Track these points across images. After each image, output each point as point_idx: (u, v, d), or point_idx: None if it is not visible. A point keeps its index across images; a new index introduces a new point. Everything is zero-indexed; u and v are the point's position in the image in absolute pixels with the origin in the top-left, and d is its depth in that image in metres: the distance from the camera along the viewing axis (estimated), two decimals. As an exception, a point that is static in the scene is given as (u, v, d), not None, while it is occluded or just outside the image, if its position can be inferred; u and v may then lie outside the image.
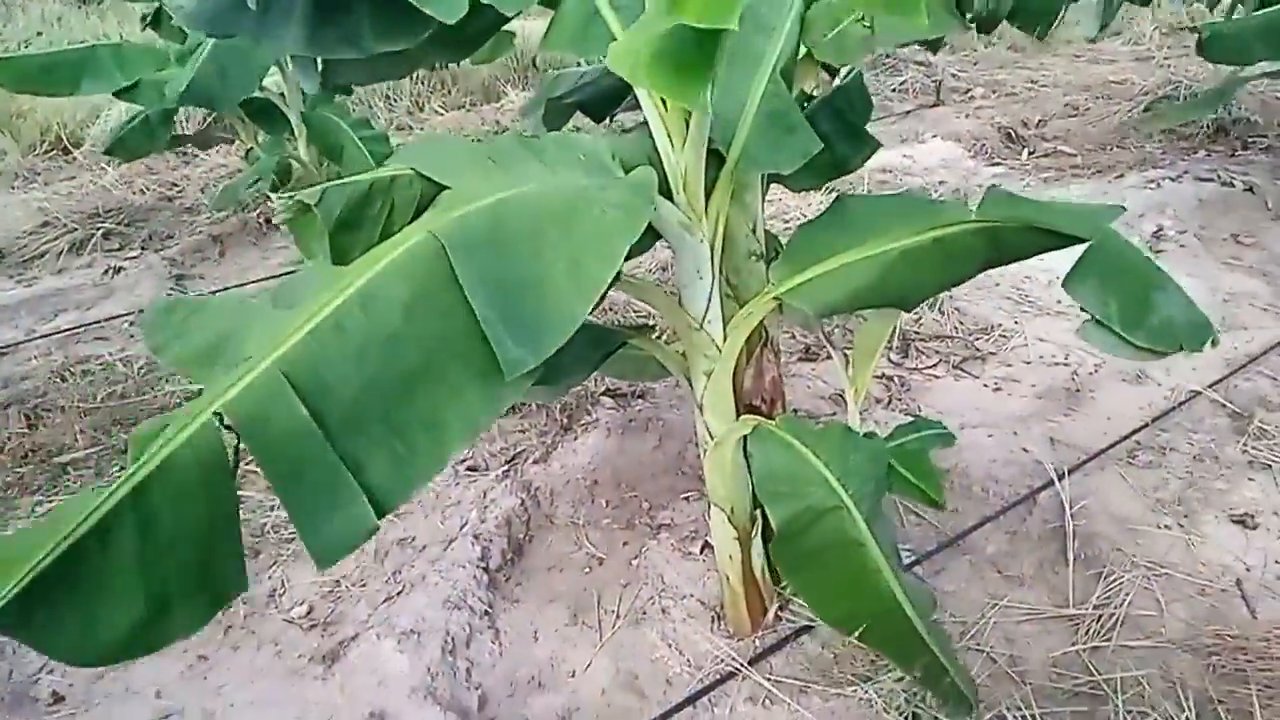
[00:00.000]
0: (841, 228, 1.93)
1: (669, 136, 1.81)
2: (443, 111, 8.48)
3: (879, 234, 1.83)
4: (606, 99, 2.60)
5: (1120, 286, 1.76)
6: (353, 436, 1.27)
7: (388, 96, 8.32)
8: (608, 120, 2.73)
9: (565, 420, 3.25)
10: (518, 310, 1.34)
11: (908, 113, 6.94)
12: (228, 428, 1.20)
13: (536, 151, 1.71)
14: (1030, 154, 5.70)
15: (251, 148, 5.10)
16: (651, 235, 1.89)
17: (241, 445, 1.21)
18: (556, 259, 1.38)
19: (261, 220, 5.49)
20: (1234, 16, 3.71)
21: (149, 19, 5.02)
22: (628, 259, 1.45)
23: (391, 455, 1.29)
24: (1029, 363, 3.44)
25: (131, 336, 4.08)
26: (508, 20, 2.10)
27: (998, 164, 5.60)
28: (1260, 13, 3.68)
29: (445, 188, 1.52)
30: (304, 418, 1.23)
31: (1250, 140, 5.36)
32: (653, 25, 1.28)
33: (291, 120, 4.81)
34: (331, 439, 1.25)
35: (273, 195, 5.07)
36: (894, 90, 7.49)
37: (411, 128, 8.13)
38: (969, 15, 2.41)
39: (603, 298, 1.40)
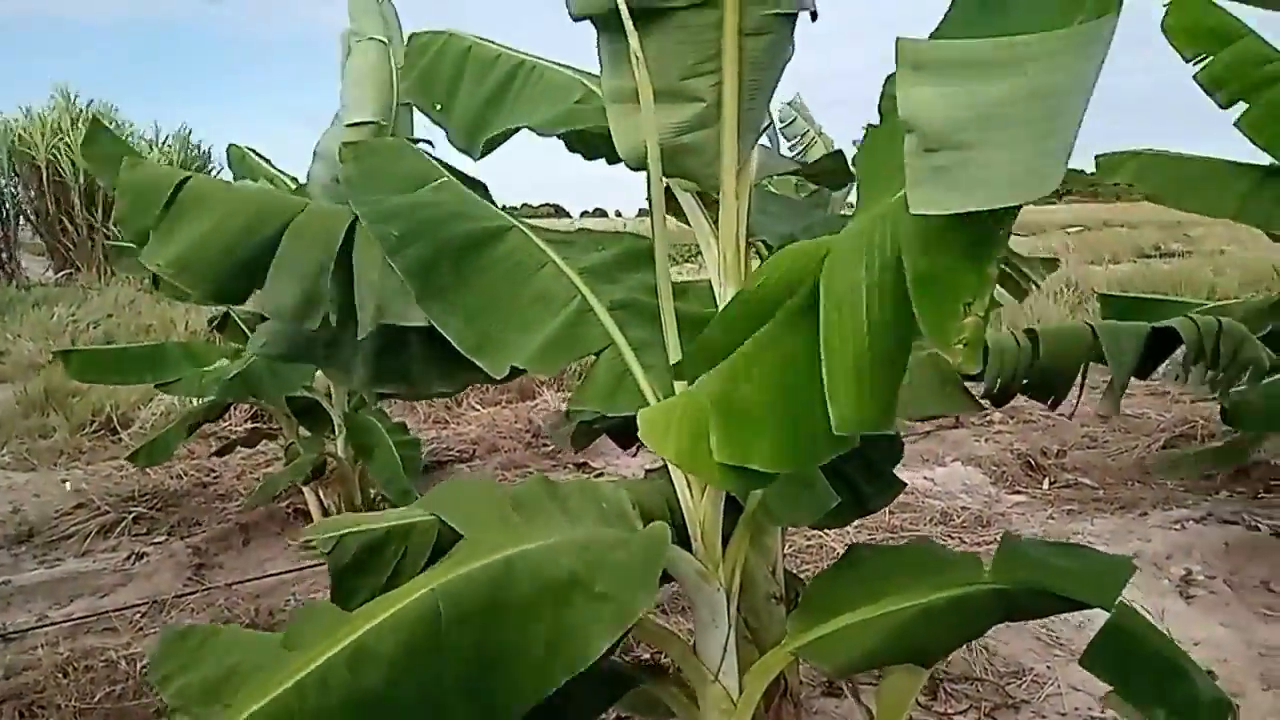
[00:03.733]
0: (857, 580, 1.95)
1: (688, 486, 1.88)
2: (479, 408, 8.81)
3: (894, 589, 1.84)
4: (632, 429, 2.73)
5: (1139, 664, 1.74)
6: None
7: (428, 392, 8.71)
8: (634, 449, 2.84)
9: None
10: (490, 681, 1.35)
11: (927, 433, 7.12)
12: None
13: (560, 499, 1.78)
14: (1051, 484, 5.76)
15: (292, 443, 5.30)
16: (664, 578, 1.91)
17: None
18: (537, 641, 1.39)
19: (289, 511, 5.59)
20: (1262, 382, 3.63)
21: (216, 321, 5.44)
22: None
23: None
24: (1064, 714, 3.27)
25: (140, 630, 4.03)
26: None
27: (1019, 492, 5.64)
28: None
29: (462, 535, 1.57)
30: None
31: (1273, 484, 5.39)
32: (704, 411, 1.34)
33: (334, 419, 5.04)
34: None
35: (304, 488, 5.17)
36: (915, 411, 7.72)
37: (448, 422, 8.43)
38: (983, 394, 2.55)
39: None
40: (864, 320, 1.10)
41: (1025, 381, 2.53)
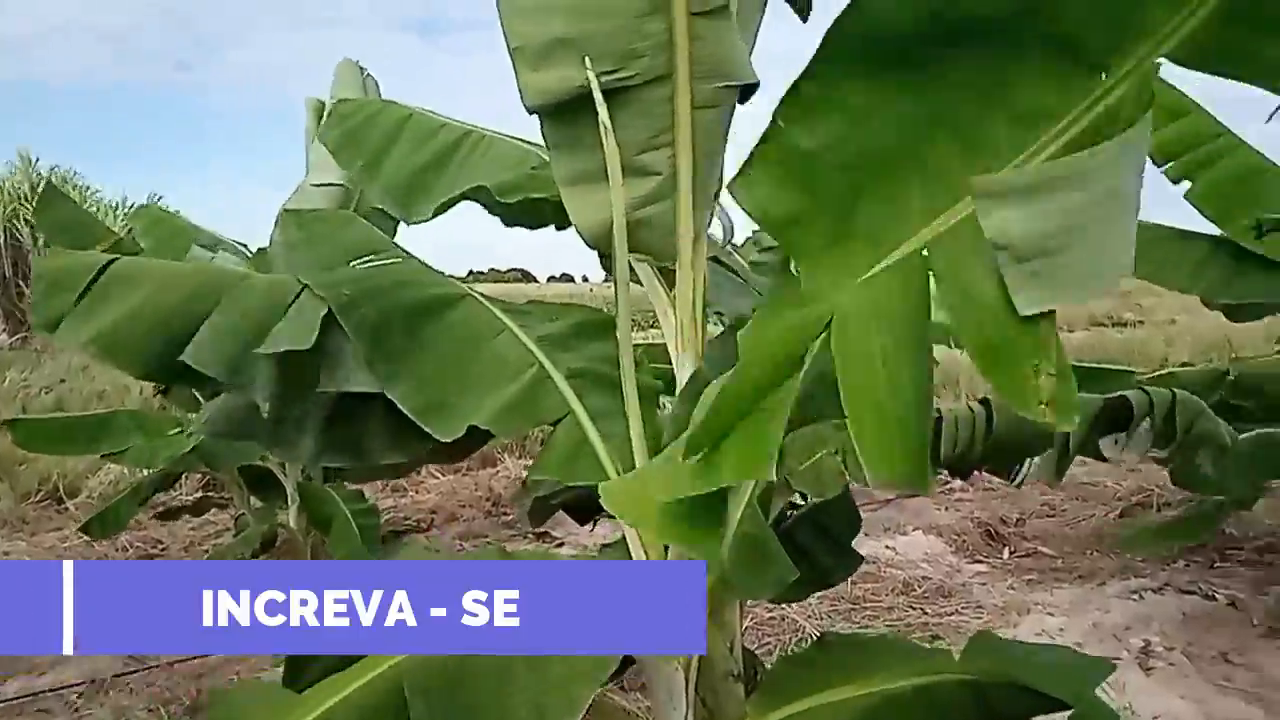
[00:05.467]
0: (823, 665, 1.91)
1: (646, 559, 1.84)
2: (439, 475, 8.67)
3: (859, 675, 1.81)
4: (589, 504, 2.69)
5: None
6: None
7: (386, 460, 8.54)
8: (591, 525, 2.80)
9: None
10: None
11: (888, 501, 7.11)
12: None
13: (516, 576, 1.72)
14: (1011, 553, 5.77)
15: (243, 513, 5.16)
16: (626, 660, 1.85)
17: None
18: (520, 703, 1.33)
19: (239, 584, 5.41)
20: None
21: (162, 387, 5.30)
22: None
23: None
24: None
25: (77, 711, 3.84)
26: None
27: (979, 561, 5.64)
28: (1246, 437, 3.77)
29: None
30: None
31: (1228, 552, 5.44)
32: (663, 474, 1.33)
33: (287, 490, 4.92)
34: None
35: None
36: (875, 478, 7.72)
37: (406, 490, 8.27)
38: (940, 462, 2.55)
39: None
40: (885, 382, 1.10)
41: (981, 453, 2.53)
